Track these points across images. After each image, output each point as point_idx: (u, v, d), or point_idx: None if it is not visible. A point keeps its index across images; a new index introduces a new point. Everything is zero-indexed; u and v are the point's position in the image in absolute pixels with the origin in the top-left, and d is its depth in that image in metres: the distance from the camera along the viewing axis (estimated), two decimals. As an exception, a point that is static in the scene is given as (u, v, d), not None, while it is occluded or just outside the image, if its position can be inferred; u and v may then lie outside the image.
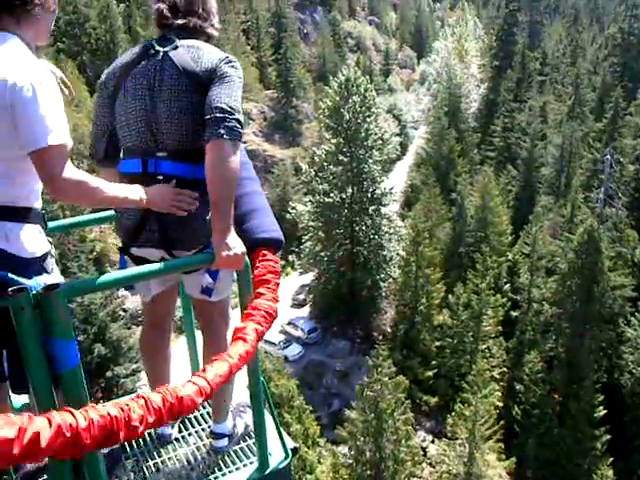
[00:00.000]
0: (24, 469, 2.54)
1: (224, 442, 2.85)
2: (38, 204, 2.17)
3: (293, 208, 35.69)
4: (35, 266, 2.08)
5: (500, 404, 25.01)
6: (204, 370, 1.74)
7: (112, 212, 3.24)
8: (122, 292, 28.67)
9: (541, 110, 46.13)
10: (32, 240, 2.09)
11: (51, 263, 2.18)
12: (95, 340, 25.98)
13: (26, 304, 1.76)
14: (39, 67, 2.01)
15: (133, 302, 29.73)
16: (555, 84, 54.49)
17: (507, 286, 31.67)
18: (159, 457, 2.83)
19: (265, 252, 2.38)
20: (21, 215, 2.07)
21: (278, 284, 2.29)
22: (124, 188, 2.21)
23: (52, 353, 1.86)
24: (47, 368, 1.89)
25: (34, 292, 1.78)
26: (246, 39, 64.44)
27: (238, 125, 2.22)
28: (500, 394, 25.64)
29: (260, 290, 2.21)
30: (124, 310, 29.54)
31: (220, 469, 2.71)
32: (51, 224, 2.84)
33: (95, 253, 32.79)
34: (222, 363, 1.79)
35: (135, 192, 2.23)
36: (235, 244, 2.22)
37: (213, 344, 2.62)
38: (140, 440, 2.90)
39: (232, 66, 2.35)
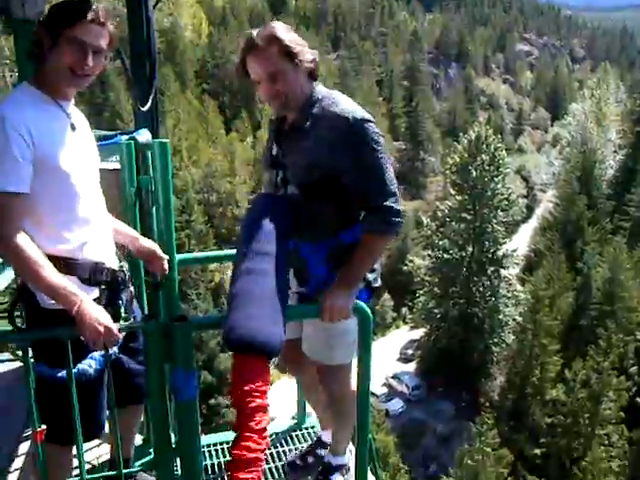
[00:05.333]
0: None
1: (339, 477, 2.79)
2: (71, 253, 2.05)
3: (411, 261, 35.54)
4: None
5: (622, 502, 22.53)
6: None
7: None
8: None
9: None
10: None
11: None
12: (203, 367, 26.99)
13: (155, 332, 1.85)
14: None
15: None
16: None
17: (634, 368, 29.09)
18: None
19: (242, 362, 1.91)
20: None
21: (253, 408, 1.83)
22: (65, 281, 1.89)
23: (172, 382, 1.93)
24: (165, 394, 1.98)
25: (163, 321, 1.88)
26: (379, 90, 66.08)
27: None
28: (621, 491, 23.14)
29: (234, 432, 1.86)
30: (234, 342, 30.44)
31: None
32: (184, 256, 3.05)
33: (213, 283, 34.40)
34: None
35: (74, 294, 1.88)
36: (346, 300, 2.14)
37: None
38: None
39: None
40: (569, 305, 33.08)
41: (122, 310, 2.25)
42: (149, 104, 3.01)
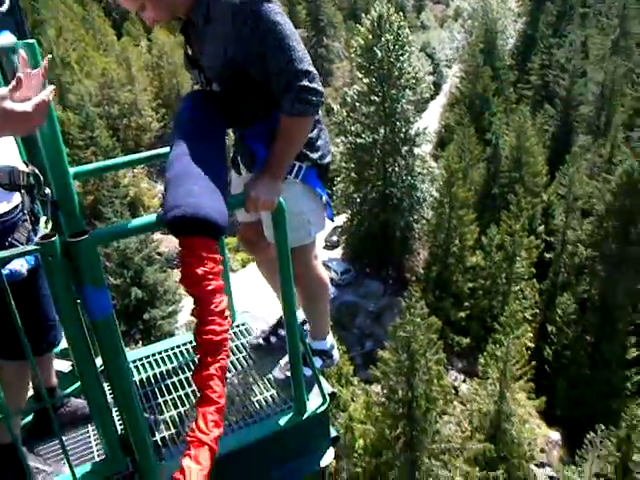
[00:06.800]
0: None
1: (319, 362, 2.87)
2: None
3: (325, 149, 35.23)
4: None
5: (532, 345, 25.04)
6: None
7: (143, 155, 3.18)
8: (157, 236, 28.97)
9: (582, 45, 43.74)
10: None
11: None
12: (132, 284, 26.66)
13: (55, 252, 1.73)
14: None
15: (168, 246, 30.13)
16: (599, 16, 51.23)
17: (541, 228, 31.19)
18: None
19: (188, 245, 1.81)
20: None
21: (210, 291, 1.77)
22: None
23: (84, 301, 1.84)
24: (79, 316, 1.89)
25: (63, 240, 1.75)
26: (274, -24, 62.55)
27: None
28: (532, 335, 25.62)
29: (196, 319, 1.79)
30: (159, 254, 29.98)
31: (258, 413, 2.70)
32: (79, 168, 2.84)
33: (129, 198, 33.27)
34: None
35: None
36: (271, 192, 2.09)
37: None
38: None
39: None
40: (481, 176, 34.43)
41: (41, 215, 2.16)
42: (7, 3, 2.63)
